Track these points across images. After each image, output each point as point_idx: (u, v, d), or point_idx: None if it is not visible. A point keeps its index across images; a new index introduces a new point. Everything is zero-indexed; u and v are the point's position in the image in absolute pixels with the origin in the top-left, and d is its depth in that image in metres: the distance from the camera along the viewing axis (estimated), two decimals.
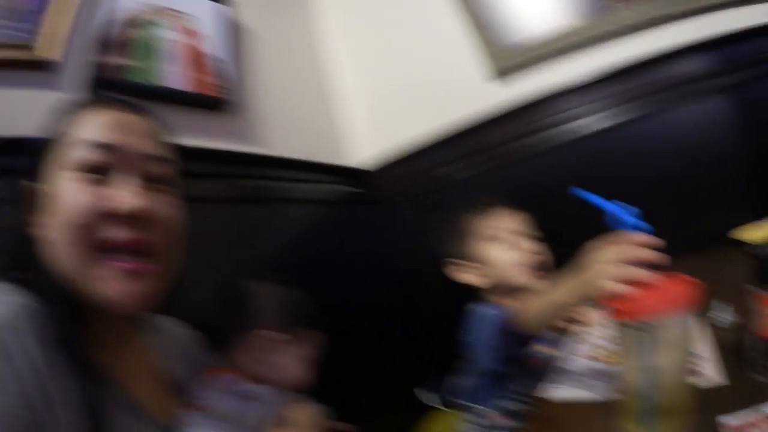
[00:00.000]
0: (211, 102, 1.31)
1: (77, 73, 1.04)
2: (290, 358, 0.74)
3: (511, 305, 0.87)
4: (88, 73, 1.05)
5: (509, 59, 1.49)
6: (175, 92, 1.22)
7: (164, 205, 0.59)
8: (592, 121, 1.42)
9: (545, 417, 0.74)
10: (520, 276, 0.99)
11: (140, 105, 0.64)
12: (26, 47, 0.99)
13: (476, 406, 1.00)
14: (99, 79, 1.07)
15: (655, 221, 0.59)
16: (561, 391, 0.80)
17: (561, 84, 1.42)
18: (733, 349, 0.71)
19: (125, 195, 0.54)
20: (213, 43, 1.36)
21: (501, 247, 1.01)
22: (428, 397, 1.37)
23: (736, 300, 0.81)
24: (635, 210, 0.60)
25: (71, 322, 0.51)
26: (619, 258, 0.57)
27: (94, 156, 0.55)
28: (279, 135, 1.50)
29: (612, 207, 0.60)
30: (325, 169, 1.60)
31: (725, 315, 0.81)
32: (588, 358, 0.87)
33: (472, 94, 1.54)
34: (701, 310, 0.80)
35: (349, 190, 1.65)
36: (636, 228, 0.59)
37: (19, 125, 0.83)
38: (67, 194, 0.54)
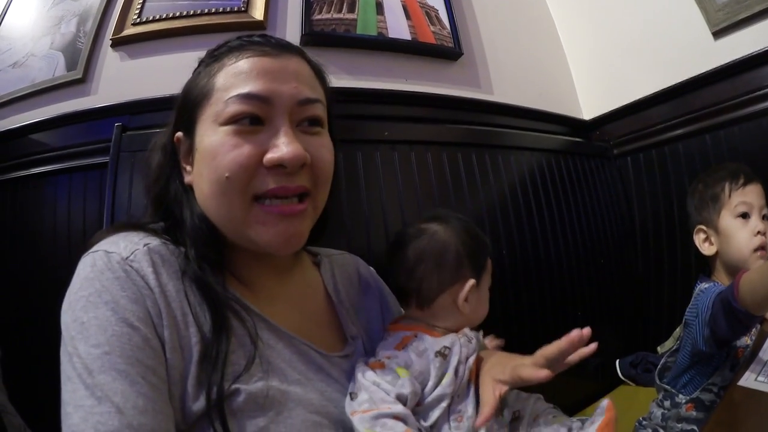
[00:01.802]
0: (435, 50, 1.42)
1: (293, 30, 1.20)
2: (479, 300, 0.71)
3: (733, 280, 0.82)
4: (305, 29, 1.22)
5: (729, 15, 1.38)
6: (399, 42, 1.35)
7: (315, 148, 0.58)
8: None
9: (732, 407, 0.69)
10: (754, 261, 0.94)
11: (289, 45, 0.61)
12: (240, 11, 1.22)
13: (673, 391, 0.96)
14: (316, 34, 1.23)
15: None
16: (753, 381, 0.73)
17: None
18: None
19: (282, 146, 0.53)
20: None
21: (747, 227, 0.96)
22: (624, 369, 1.35)
23: None
24: None
25: (211, 259, 0.55)
26: None
27: (246, 108, 0.54)
28: (506, 84, 1.57)
29: None
30: (549, 118, 1.62)
31: None
32: None
33: (694, 52, 1.46)
34: None
35: (572, 140, 1.65)
36: None
37: None
38: (224, 148, 0.53)
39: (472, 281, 0.68)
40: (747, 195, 0.98)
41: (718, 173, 1.03)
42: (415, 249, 0.69)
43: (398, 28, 1.35)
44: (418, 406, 0.59)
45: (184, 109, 0.60)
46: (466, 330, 0.69)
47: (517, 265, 1.33)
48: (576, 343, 0.55)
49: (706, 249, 1.01)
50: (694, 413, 0.90)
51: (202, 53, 0.63)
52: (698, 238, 1.03)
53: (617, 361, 1.41)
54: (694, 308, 0.92)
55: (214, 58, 0.59)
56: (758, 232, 0.95)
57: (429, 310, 0.68)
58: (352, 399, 0.56)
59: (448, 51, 1.43)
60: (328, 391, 0.57)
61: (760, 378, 0.72)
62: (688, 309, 0.94)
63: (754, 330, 0.92)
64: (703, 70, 1.41)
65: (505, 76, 1.58)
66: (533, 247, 1.38)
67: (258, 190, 0.54)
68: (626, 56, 1.66)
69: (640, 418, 1.02)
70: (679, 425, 0.91)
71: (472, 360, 0.63)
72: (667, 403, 0.96)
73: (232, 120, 0.54)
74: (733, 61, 1.34)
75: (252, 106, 0.54)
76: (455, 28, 1.45)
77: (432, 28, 1.42)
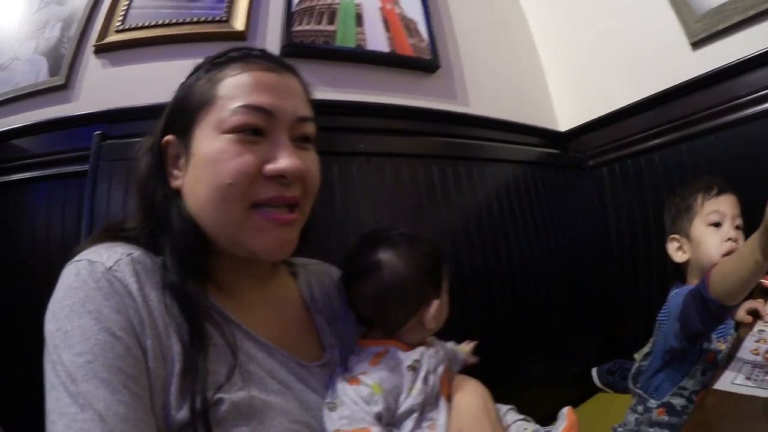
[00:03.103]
0: (415, 63, 1.42)
1: (273, 40, 1.20)
2: (442, 309, 0.70)
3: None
4: (284, 40, 1.21)
5: (708, 26, 1.40)
6: (377, 54, 1.35)
7: (307, 163, 0.61)
8: None
9: (705, 410, 0.69)
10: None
11: (286, 62, 0.64)
12: (218, 21, 1.21)
13: (645, 396, 0.98)
14: (295, 45, 1.23)
15: None
16: (729, 384, 0.73)
17: (760, 52, 1.26)
18: None
19: (284, 158, 0.56)
20: (416, 9, 1.46)
21: (718, 234, 0.99)
22: (599, 377, 1.37)
23: None
24: None
25: (193, 267, 0.56)
26: None
27: (251, 119, 0.56)
28: (483, 97, 1.57)
29: None
30: (525, 130, 1.63)
31: None
32: (762, 354, 0.81)
33: (672, 62, 1.48)
34: None
35: (548, 152, 1.66)
36: None
37: None
38: (226, 155, 0.55)
39: (436, 302, 0.68)
40: (719, 204, 1.01)
41: (693, 186, 1.07)
42: (375, 284, 0.67)
43: (377, 40, 1.36)
44: (391, 417, 0.60)
45: (179, 113, 0.60)
46: (435, 341, 0.70)
47: (492, 276, 1.34)
48: None
49: (679, 257, 1.05)
50: (666, 418, 0.92)
51: (182, 62, 0.64)
52: (671, 247, 1.06)
53: (594, 369, 1.43)
54: (666, 309, 0.95)
55: (215, 66, 0.60)
56: (729, 239, 0.97)
57: (397, 334, 0.68)
58: (330, 410, 0.57)
59: (425, 63, 1.44)
60: (308, 401, 0.58)
61: (736, 381, 0.72)
62: (660, 312, 0.97)
63: (729, 337, 0.96)
64: (681, 81, 1.42)
65: (483, 89, 1.59)
66: (509, 257, 1.39)
67: (257, 198, 0.56)
68: (604, 67, 1.68)
69: (615, 425, 1.04)
70: (652, 430, 0.93)
71: (441, 369, 0.65)
72: (640, 408, 0.98)
73: (236, 129, 0.55)
74: (710, 71, 1.36)
75: (257, 118, 0.56)
76: (433, 40, 1.46)
77: (411, 40, 1.42)
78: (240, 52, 0.61)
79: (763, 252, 0.68)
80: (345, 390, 0.59)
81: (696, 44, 1.42)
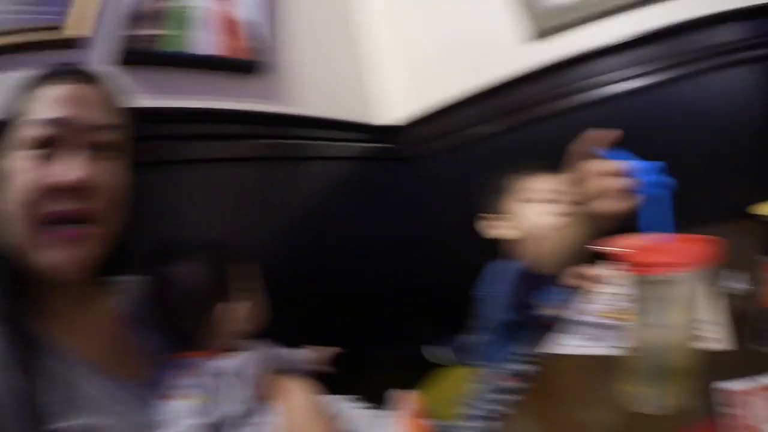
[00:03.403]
0: (243, 65, 1.37)
1: (108, 48, 1.10)
2: (251, 309, 0.73)
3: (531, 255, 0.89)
4: (118, 47, 1.11)
5: (547, 20, 1.49)
6: (206, 58, 1.29)
7: (107, 173, 0.60)
8: (624, 83, 1.40)
9: (546, 373, 0.73)
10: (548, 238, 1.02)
11: (92, 73, 0.65)
12: (54, 28, 1.08)
13: (483, 365, 1.02)
14: (129, 52, 1.13)
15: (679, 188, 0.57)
16: (565, 346, 0.78)
17: (596, 45, 1.40)
18: (741, 317, 0.68)
19: (65, 168, 0.56)
20: (246, 7, 1.40)
21: (535, 209, 1.04)
22: (436, 355, 1.41)
23: (749, 270, 0.78)
24: (659, 164, 0.58)
25: (13, 293, 0.55)
26: (600, 172, 0.63)
27: (41, 132, 0.57)
28: (311, 95, 1.54)
29: (635, 162, 0.61)
30: (354, 127, 1.64)
31: (738, 283, 0.78)
32: (596, 315, 0.86)
33: (507, 55, 1.55)
34: (715, 273, 0.75)
35: (378, 147, 1.68)
36: (659, 183, 0.57)
37: None
38: (17, 173, 0.56)
39: (237, 304, 0.70)
40: (539, 182, 1.07)
41: (515, 169, 1.14)
42: (170, 299, 0.68)
43: (207, 43, 1.29)
44: (217, 426, 0.61)
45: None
46: (259, 345, 0.72)
47: (323, 272, 1.37)
48: None
49: (499, 234, 1.11)
50: (507, 384, 0.94)
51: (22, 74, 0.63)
52: (492, 224, 1.12)
53: (429, 346, 1.45)
54: (488, 283, 1.02)
55: (28, 84, 0.62)
56: (550, 213, 1.01)
57: (203, 342, 0.68)
58: (159, 428, 0.58)
59: (255, 65, 1.39)
60: (139, 421, 0.58)
61: (571, 342, 0.77)
62: (480, 286, 1.03)
63: (559, 302, 0.98)
64: (516, 72, 1.49)
65: (315, 87, 1.56)
66: (344, 251, 1.42)
67: (42, 215, 0.56)
68: (437, 59, 1.70)
69: (459, 398, 1.05)
70: (495, 396, 0.94)
71: (259, 372, 0.67)
72: (481, 379, 1.01)
73: (27, 145, 0.57)
74: (546, 62, 1.45)
75: (46, 131, 0.57)
76: (265, 41, 1.42)
77: (241, 42, 1.37)
78: (48, 69, 0.63)
79: (583, 223, 0.72)
80: (169, 406, 0.60)
81: (535, 36, 1.50)
